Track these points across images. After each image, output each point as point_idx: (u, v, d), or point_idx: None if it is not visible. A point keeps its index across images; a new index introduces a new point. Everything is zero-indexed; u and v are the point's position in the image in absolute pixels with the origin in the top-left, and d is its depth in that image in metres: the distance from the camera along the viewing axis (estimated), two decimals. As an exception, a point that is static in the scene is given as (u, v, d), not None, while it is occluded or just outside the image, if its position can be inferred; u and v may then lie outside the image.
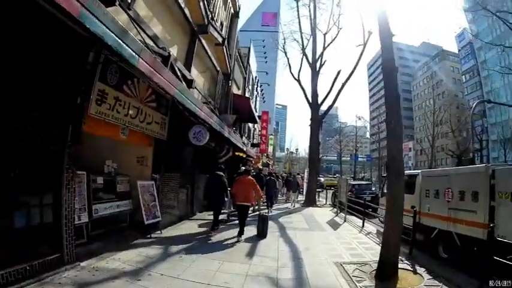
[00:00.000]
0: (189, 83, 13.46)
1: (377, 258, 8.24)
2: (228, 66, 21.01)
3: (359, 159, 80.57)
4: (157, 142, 11.61)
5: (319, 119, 25.37)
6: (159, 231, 11.12)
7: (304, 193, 27.71)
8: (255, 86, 39.49)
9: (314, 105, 25.35)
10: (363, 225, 14.99)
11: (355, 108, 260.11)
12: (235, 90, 24.88)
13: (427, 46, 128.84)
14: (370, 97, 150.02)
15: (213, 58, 18.27)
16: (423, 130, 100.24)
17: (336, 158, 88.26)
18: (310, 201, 23.90)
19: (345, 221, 16.61)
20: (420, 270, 8.46)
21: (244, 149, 20.15)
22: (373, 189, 24.39)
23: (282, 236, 12.25)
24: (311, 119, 25.58)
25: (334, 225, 15.54)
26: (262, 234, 11.64)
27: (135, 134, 10.21)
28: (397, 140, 8.33)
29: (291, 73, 27.98)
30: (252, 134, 41.40)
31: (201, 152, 16.00)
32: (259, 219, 11.93)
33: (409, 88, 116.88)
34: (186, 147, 13.81)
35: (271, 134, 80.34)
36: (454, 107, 79.82)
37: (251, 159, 32.54)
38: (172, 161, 12.79)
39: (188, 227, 12.93)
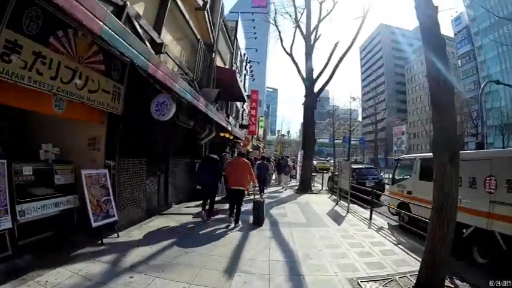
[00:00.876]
0: (158, 47, 10.71)
1: (402, 269, 6.87)
2: (211, 35, 18.22)
3: (352, 142, 78.56)
4: (113, 119, 8.93)
5: (315, 96, 22.73)
6: (115, 235, 8.55)
7: (298, 178, 25.74)
8: (244, 64, 36.89)
9: (309, 80, 22.78)
10: (371, 218, 12.66)
11: (346, 91, 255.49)
12: (220, 65, 22.24)
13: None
14: (363, 80, 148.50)
15: (192, 24, 15.48)
16: (416, 114, 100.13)
17: (328, 140, 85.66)
18: (305, 187, 21.57)
19: (348, 211, 14.30)
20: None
21: (229, 128, 17.39)
22: (376, 173, 21.71)
23: (275, 237, 9.59)
24: (305, 96, 23.07)
25: (337, 217, 13.08)
26: (258, 222, 10.81)
27: (78, 108, 7.54)
28: (447, 103, 5.79)
29: (283, 47, 25.29)
30: (241, 115, 38.78)
31: (178, 132, 13.67)
32: (254, 205, 11.06)
33: (402, 72, 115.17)
34: (155, 126, 11.05)
35: (262, 116, 77.97)
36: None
37: (239, 141, 30.02)
38: (136, 142, 10.14)
39: (158, 225, 10.29)
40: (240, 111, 38.15)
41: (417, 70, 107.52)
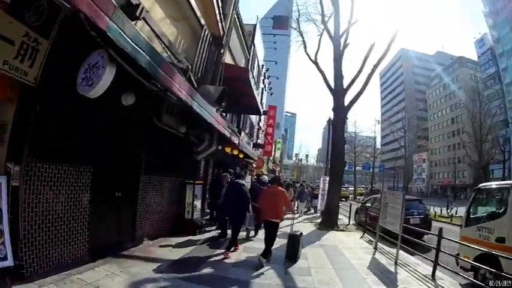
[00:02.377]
0: (132, 10, 6.77)
1: None
2: (220, 26, 14.12)
3: (370, 169, 73.66)
4: (26, 94, 5.12)
5: (345, 109, 18.36)
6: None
7: (319, 208, 22.15)
8: (261, 78, 32.77)
9: (338, 90, 18.41)
10: (434, 275, 8.49)
11: (365, 118, 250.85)
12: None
13: (441, 55, 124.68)
14: (382, 106, 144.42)
15: (194, 5, 11.58)
16: (437, 141, 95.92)
17: (347, 167, 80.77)
18: (330, 221, 16.95)
19: (396, 263, 9.86)
20: None
21: (235, 141, 13.01)
22: (422, 207, 16.79)
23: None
24: (333, 110, 18.68)
25: (385, 275, 8.65)
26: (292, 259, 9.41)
27: None
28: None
29: (307, 54, 20.96)
30: (256, 134, 34.52)
31: (159, 139, 9.78)
32: (289, 239, 9.75)
33: (423, 97, 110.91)
34: (113, 120, 7.24)
35: (279, 138, 73.77)
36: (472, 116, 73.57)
37: (251, 161, 25.74)
38: (72, 138, 6.33)
39: (96, 280, 6.03)
40: (255, 129, 34.02)
41: (440, 95, 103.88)
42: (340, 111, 18.15)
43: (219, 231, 11.89)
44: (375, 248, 12.12)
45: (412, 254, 10.43)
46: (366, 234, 15.04)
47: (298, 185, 26.65)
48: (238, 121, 22.91)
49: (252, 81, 18.25)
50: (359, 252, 11.48)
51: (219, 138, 11.73)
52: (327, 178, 22.70)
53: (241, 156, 17.55)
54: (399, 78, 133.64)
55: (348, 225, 18.26)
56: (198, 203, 11.90)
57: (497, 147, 55.69)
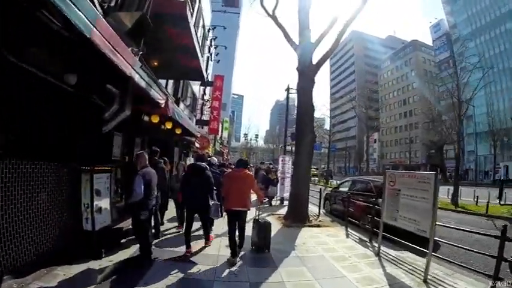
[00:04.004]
0: None
1: None
2: None
3: (321, 150, 70.74)
4: None
5: (313, 68, 13.81)
6: None
7: (278, 196, 18.34)
8: (206, 42, 26.99)
9: (304, 46, 13.92)
10: None
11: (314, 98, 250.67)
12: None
13: (392, 39, 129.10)
14: (332, 87, 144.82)
15: None
16: (388, 122, 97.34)
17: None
18: (300, 215, 12.70)
19: (425, 280, 6.59)
20: None
21: (161, 103, 8.07)
22: None
23: None
24: (299, 69, 13.99)
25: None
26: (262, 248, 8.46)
27: None
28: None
29: (263, 7, 16.26)
30: (199, 108, 29.60)
31: (36, 93, 5.93)
32: (256, 226, 8.64)
33: (374, 79, 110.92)
34: None
35: (227, 118, 69.28)
36: (425, 98, 76.77)
37: (194, 139, 21.06)
38: None
39: None
40: (199, 103, 29.21)
41: (390, 77, 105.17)
42: (308, 70, 13.71)
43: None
44: (378, 255, 8.35)
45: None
46: (349, 230, 11.39)
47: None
48: (175, 89, 18.48)
49: (194, 33, 13.51)
50: (361, 265, 7.61)
51: (139, 99, 7.31)
52: (288, 158, 18.57)
53: (178, 131, 13.08)
54: (350, 59, 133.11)
55: (318, 215, 14.26)
56: (103, 203, 7.27)
57: (454, 128, 54.92)
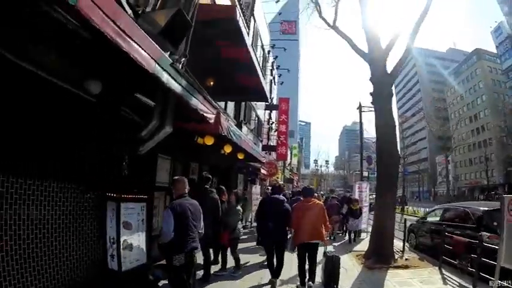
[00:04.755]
0: None
1: None
2: None
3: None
4: None
5: (389, 78, 11.79)
6: None
7: (363, 228, 15.71)
8: (267, 65, 25.39)
9: (375, 54, 11.89)
10: None
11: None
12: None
13: (454, 52, 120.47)
14: (399, 108, 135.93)
15: None
16: (460, 140, 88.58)
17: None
18: (384, 253, 10.32)
19: None
20: None
21: (209, 117, 6.29)
22: None
23: None
24: (373, 80, 11.87)
25: None
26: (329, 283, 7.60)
27: None
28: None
29: (323, 18, 14.41)
30: (265, 134, 27.73)
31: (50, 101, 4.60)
32: (327, 262, 7.65)
33: (441, 96, 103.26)
34: None
35: (295, 144, 67.33)
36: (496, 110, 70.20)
37: (259, 165, 18.65)
38: None
39: None
40: (265, 128, 27.38)
41: (457, 92, 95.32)
42: (383, 79, 11.61)
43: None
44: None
45: None
46: (445, 272, 9.15)
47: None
48: (237, 111, 16.99)
49: (249, 46, 11.96)
50: None
51: (179, 112, 5.90)
52: (365, 185, 16.30)
53: (240, 157, 11.43)
54: (414, 77, 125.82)
55: (403, 251, 11.76)
56: (135, 239, 5.73)
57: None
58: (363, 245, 12.52)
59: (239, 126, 15.06)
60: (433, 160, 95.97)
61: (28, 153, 4.40)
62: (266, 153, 25.77)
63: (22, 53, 3.77)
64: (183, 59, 7.06)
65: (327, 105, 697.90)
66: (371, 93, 11.87)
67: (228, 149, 9.73)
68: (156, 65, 4.08)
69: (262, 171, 20.87)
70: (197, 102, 5.33)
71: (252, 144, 12.16)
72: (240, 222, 8.28)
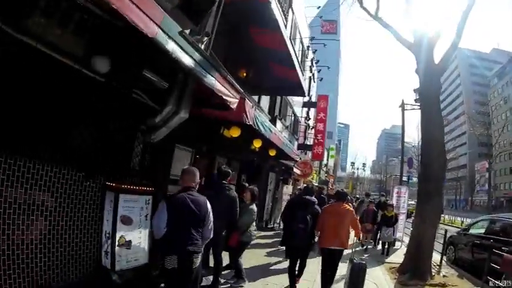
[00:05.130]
0: None
1: None
2: None
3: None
4: None
5: (438, 70, 10.35)
6: None
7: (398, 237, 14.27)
8: (306, 61, 23.55)
9: (421, 42, 10.66)
10: None
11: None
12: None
13: (498, 53, 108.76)
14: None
15: None
16: (502, 147, 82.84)
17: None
18: (422, 268, 9.10)
19: None
20: None
21: (230, 101, 5.40)
22: None
23: None
24: (419, 72, 10.64)
25: None
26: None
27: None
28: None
29: (364, 8, 13.36)
30: (302, 133, 26.22)
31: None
32: (352, 271, 6.81)
33: (483, 100, 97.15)
34: None
35: (333, 145, 65.77)
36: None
37: (292, 163, 17.42)
38: None
39: None
40: (301, 126, 25.99)
41: (501, 95, 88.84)
42: (432, 72, 10.30)
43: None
44: None
45: None
46: None
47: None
48: (271, 106, 15.96)
49: (286, 36, 11.08)
50: None
51: (198, 95, 5.25)
52: (404, 189, 15.13)
53: (272, 153, 10.57)
54: (456, 80, 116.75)
55: (440, 266, 10.39)
56: (135, 236, 5.04)
57: None
58: (398, 256, 11.45)
59: (273, 121, 14.11)
60: (472, 167, 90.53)
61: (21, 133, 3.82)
62: (301, 152, 24.80)
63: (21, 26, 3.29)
64: (206, 38, 6.26)
65: (367, 108, 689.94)
66: (416, 90, 10.73)
67: (257, 143, 8.92)
68: (159, 30, 3.33)
69: (296, 170, 19.54)
70: (214, 82, 4.54)
71: (285, 140, 11.18)
72: (253, 223, 7.29)
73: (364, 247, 13.04)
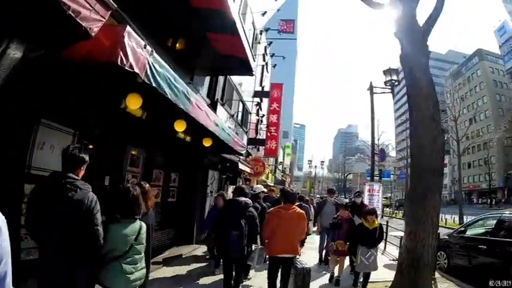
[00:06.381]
0: None
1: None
2: None
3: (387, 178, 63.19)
4: None
5: (421, 28, 7.51)
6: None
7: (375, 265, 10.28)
8: (259, 45, 21.43)
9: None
10: None
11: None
12: None
13: (454, 54, 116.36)
14: (396, 110, 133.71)
15: None
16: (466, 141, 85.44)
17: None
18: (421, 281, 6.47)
19: None
20: None
21: (88, 21, 2.81)
22: None
23: None
24: (399, 35, 7.79)
25: None
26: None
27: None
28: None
29: None
30: (253, 126, 22.97)
31: None
32: (293, 273, 6.17)
33: (441, 99, 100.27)
34: None
35: (289, 143, 63.93)
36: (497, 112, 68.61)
37: (237, 158, 14.39)
38: None
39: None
40: (252, 119, 22.69)
41: (456, 94, 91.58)
42: (414, 31, 7.75)
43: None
44: None
45: None
46: None
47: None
48: (212, 88, 12.65)
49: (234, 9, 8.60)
50: None
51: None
52: (377, 187, 12.86)
53: (206, 143, 7.95)
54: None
55: (434, 281, 7.92)
56: None
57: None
58: (380, 272, 8.21)
59: (214, 107, 11.22)
60: None
61: None
62: (253, 148, 22.43)
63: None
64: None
65: (322, 109, 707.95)
66: (399, 57, 8.00)
67: (179, 126, 6.24)
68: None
69: (244, 168, 16.49)
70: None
71: (221, 122, 8.24)
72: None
73: (334, 278, 8.16)
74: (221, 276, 6.47)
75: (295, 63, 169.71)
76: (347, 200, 14.13)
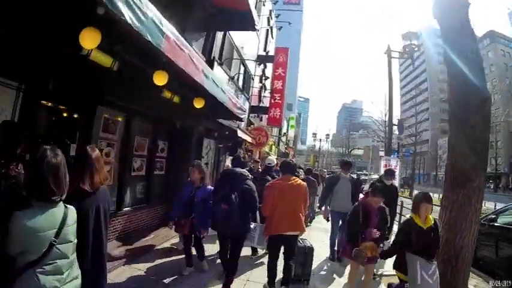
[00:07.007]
0: None
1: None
2: None
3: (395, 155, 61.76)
4: None
5: None
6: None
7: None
8: (263, 6, 19.84)
9: None
10: None
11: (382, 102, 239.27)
12: None
13: None
14: (402, 88, 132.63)
15: None
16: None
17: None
18: None
19: None
20: None
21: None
22: None
23: None
24: None
25: None
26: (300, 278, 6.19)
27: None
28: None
29: None
30: (256, 93, 21.26)
31: None
32: (298, 254, 6.13)
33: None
34: None
35: (293, 115, 62.57)
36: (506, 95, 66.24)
37: (235, 125, 12.94)
38: None
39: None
40: (255, 86, 20.87)
41: None
42: None
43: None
44: None
45: None
46: None
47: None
48: (208, 44, 11.17)
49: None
50: None
51: None
52: (395, 162, 11.78)
53: (198, 104, 6.74)
54: (419, 57, 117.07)
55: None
56: None
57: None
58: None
59: (210, 64, 9.80)
60: (435, 143, 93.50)
61: None
62: (256, 117, 21.20)
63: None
64: None
65: (327, 83, 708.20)
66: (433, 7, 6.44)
67: (159, 78, 4.88)
68: None
69: (245, 137, 14.58)
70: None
71: (210, 72, 6.67)
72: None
73: (376, 278, 6.92)
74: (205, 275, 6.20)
75: (301, 35, 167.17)
76: (365, 178, 12.72)
